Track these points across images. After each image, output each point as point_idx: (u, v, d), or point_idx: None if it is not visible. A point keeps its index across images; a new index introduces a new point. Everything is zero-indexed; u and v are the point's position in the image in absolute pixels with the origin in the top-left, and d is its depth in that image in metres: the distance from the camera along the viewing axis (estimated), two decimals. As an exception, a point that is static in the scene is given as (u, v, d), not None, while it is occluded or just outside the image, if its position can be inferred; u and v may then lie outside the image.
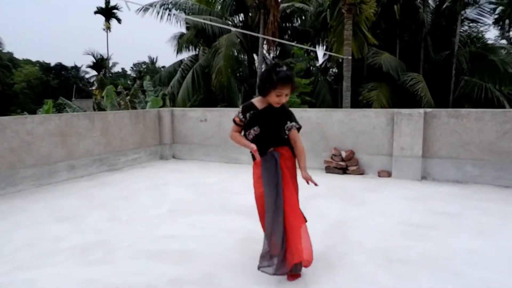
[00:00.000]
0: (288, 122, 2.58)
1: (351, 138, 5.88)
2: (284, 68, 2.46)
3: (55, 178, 5.53)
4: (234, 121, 2.69)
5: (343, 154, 5.76)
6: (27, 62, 42.28)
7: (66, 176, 5.70)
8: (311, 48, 17.72)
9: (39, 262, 2.90)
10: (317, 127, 6.11)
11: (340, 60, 16.68)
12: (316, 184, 2.65)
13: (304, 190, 4.96)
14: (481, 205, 4.16)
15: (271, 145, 2.61)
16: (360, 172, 5.71)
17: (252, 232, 3.43)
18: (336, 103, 17.83)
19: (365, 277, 2.56)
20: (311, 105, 12.70)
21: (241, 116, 2.62)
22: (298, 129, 2.66)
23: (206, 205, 4.38)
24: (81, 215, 4.02)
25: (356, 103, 14.76)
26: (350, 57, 11.36)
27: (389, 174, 5.53)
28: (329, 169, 5.84)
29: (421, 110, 5.26)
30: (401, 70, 15.57)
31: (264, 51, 16.43)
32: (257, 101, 2.62)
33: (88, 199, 4.64)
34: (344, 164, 5.73)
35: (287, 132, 2.60)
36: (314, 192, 4.78)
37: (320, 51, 20.11)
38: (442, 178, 5.28)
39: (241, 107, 2.66)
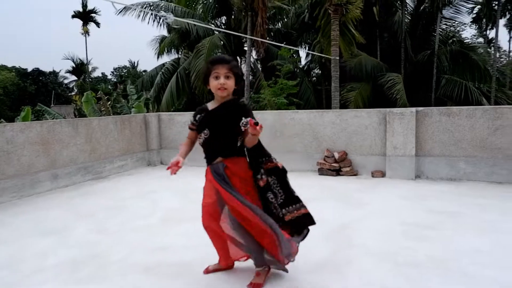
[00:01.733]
0: (243, 118, 2.13)
1: (343, 138, 5.82)
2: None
3: (38, 188, 5.26)
4: (188, 126, 2.51)
5: (336, 155, 5.69)
6: (3, 68, 40.94)
7: (49, 186, 5.43)
8: (297, 48, 17.75)
9: (25, 282, 2.68)
10: (309, 128, 6.03)
11: (323, 61, 16.75)
12: (255, 126, 2.04)
13: (297, 193, 4.86)
14: (478, 202, 4.14)
15: (220, 153, 2.32)
16: (354, 173, 5.65)
17: (251, 239, 3.29)
18: (320, 104, 17.87)
19: (376, 282, 2.46)
20: (298, 107, 12.68)
21: (193, 119, 2.43)
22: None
23: (198, 212, 4.17)
24: (68, 227, 3.80)
25: (342, 103, 14.83)
26: (338, 58, 11.37)
27: (383, 174, 5.49)
28: (322, 171, 5.76)
29: (413, 109, 5.24)
30: (379, 70, 15.72)
31: (254, 54, 16.31)
32: (210, 103, 2.41)
33: (73, 210, 4.41)
34: (337, 166, 5.65)
35: (242, 128, 2.10)
36: (309, 196, 4.67)
37: (303, 52, 20.19)
38: (435, 176, 5.27)
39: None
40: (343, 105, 14.53)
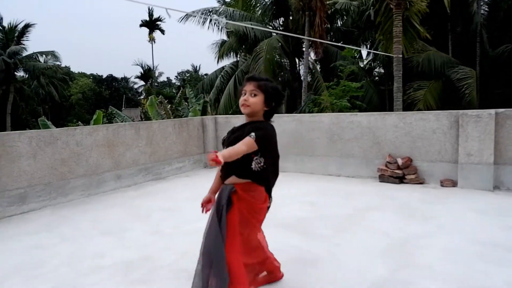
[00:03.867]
0: (252, 133, 2.03)
1: (407, 143, 5.38)
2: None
3: (103, 188, 5.56)
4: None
5: (399, 161, 5.27)
6: (82, 75, 45.00)
7: (114, 186, 5.72)
8: (360, 48, 17.07)
9: (81, 280, 2.78)
10: (369, 132, 5.67)
11: (386, 59, 15.85)
12: (217, 161, 1.79)
13: (355, 200, 4.58)
14: None
15: (233, 171, 2.15)
16: (420, 181, 5.18)
17: (301, 251, 3.14)
18: (383, 105, 16.98)
19: (442, 312, 2.16)
20: (362, 111, 12.14)
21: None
22: (258, 138, 2.02)
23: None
24: (125, 228, 3.93)
25: (407, 104, 13.90)
26: (400, 56, 10.63)
27: (453, 184, 4.96)
28: (383, 178, 5.38)
29: (492, 111, 4.67)
30: (451, 66, 14.46)
31: (312, 55, 15.97)
32: (243, 112, 2.24)
33: (132, 210, 4.58)
34: (400, 172, 5.23)
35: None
36: (368, 204, 4.40)
37: (364, 51, 19.33)
38: (518, 187, 4.64)
39: None
40: (410, 105, 13.59)
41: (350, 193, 4.85)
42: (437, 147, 5.12)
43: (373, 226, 3.68)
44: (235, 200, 2.11)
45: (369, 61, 19.88)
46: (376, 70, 20.22)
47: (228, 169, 2.15)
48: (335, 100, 11.22)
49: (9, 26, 30.24)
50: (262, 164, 2.12)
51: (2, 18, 30.02)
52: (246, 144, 1.99)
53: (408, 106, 13.64)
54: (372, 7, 15.81)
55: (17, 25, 30.30)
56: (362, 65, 19.33)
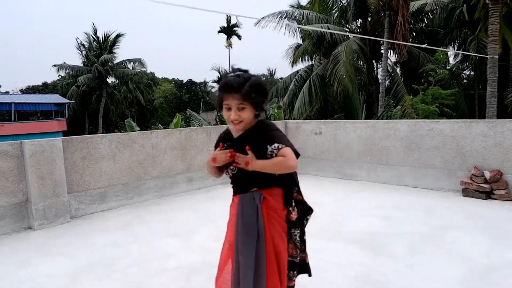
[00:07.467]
0: (268, 146, 1.80)
1: (497, 155, 4.76)
2: (238, 73, 1.81)
3: (175, 189, 5.83)
4: None
5: (487, 174, 4.68)
6: (165, 80, 48.39)
7: (185, 188, 5.97)
8: (451, 51, 15.73)
9: (146, 283, 2.91)
10: (451, 141, 5.14)
11: (478, 60, 14.30)
12: (233, 156, 1.81)
13: (434, 216, 4.17)
14: None
15: (256, 184, 1.91)
16: (511, 197, 4.55)
17: (368, 270, 2.92)
18: (472, 111, 15.36)
19: None
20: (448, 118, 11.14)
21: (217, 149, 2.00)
22: (291, 146, 1.81)
23: (316, 228, 3.94)
24: (192, 231, 4.05)
25: (500, 112, 12.36)
26: (496, 57, 9.46)
27: (557, 204, 4.26)
28: (467, 192, 4.82)
29: None
30: None
31: (393, 58, 15.11)
32: (234, 129, 1.96)
33: (200, 213, 4.71)
34: (488, 187, 4.65)
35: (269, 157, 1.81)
36: (448, 222, 3.97)
37: (452, 52, 17.73)
38: None
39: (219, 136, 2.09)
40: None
41: (428, 208, 4.44)
42: (536, 161, 4.45)
43: (454, 248, 3.30)
44: (264, 210, 1.88)
45: (456, 62, 18.21)
46: (465, 72, 18.44)
47: (247, 182, 1.92)
48: (422, 105, 10.43)
49: (103, 37, 33.78)
50: None
51: (96, 30, 33.67)
52: (293, 159, 1.76)
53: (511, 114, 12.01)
54: (465, 4, 14.41)
55: (110, 35, 33.73)
56: (448, 68, 17.79)
